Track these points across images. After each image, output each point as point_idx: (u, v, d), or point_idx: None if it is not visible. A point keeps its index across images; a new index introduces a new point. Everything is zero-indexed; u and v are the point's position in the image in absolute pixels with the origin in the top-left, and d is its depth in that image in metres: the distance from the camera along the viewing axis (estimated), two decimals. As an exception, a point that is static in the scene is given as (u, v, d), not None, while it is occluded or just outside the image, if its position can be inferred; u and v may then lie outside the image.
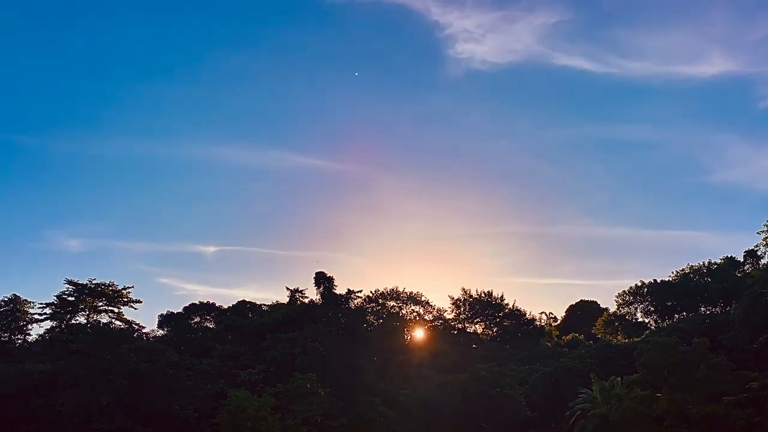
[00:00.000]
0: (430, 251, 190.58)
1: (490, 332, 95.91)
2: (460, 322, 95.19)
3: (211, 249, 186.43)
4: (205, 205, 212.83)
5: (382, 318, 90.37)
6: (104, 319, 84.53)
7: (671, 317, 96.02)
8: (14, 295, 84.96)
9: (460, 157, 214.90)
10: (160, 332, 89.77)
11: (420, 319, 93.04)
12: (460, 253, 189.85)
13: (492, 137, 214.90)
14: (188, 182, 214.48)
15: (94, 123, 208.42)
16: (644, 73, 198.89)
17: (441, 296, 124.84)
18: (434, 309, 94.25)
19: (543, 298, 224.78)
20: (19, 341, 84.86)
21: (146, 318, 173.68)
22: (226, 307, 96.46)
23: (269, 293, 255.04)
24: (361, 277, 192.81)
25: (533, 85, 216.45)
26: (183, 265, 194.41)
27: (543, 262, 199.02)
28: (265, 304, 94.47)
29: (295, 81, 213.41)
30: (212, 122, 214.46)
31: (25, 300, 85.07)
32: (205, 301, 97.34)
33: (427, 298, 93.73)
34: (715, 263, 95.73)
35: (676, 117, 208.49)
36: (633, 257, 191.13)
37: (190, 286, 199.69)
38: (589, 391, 64.05)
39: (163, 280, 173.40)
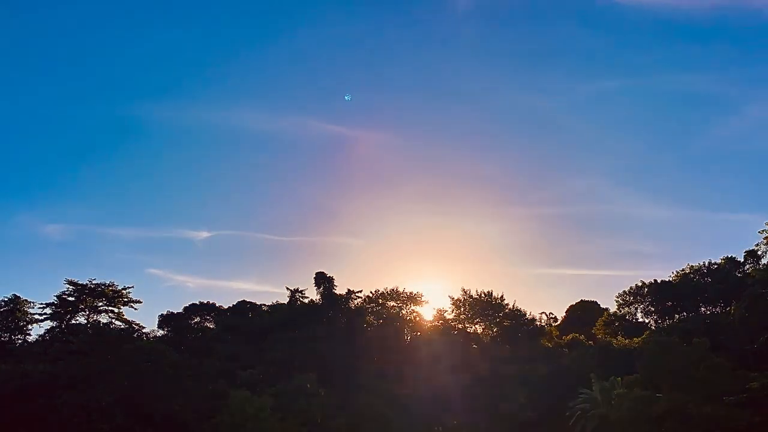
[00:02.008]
0: (433, 239, 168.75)
1: (490, 332, 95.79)
2: (460, 323, 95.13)
3: (204, 234, 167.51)
4: (195, 182, 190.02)
5: (382, 318, 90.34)
6: (104, 319, 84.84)
7: (671, 317, 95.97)
8: (14, 295, 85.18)
9: (469, 115, 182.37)
10: (160, 332, 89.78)
11: (420, 320, 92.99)
12: (466, 240, 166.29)
13: (509, 88, 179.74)
14: (174, 154, 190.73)
15: (62, 83, 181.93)
16: (704, 3, 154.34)
17: (441, 288, 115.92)
18: (434, 309, 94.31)
19: (561, 290, 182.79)
20: (19, 341, 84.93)
21: (136, 313, 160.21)
22: (226, 307, 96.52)
23: (269, 285, 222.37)
24: (365, 263, 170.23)
25: (561, 22, 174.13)
26: (173, 253, 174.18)
27: (559, 247, 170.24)
28: (265, 305, 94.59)
29: (281, 31, 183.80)
30: (197, 81, 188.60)
31: (25, 300, 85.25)
32: (204, 301, 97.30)
33: (427, 298, 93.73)
34: (715, 263, 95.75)
35: (745, 63, 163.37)
36: (676, 243, 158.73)
37: (180, 278, 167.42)
38: (589, 391, 64.02)
39: (152, 270, 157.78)
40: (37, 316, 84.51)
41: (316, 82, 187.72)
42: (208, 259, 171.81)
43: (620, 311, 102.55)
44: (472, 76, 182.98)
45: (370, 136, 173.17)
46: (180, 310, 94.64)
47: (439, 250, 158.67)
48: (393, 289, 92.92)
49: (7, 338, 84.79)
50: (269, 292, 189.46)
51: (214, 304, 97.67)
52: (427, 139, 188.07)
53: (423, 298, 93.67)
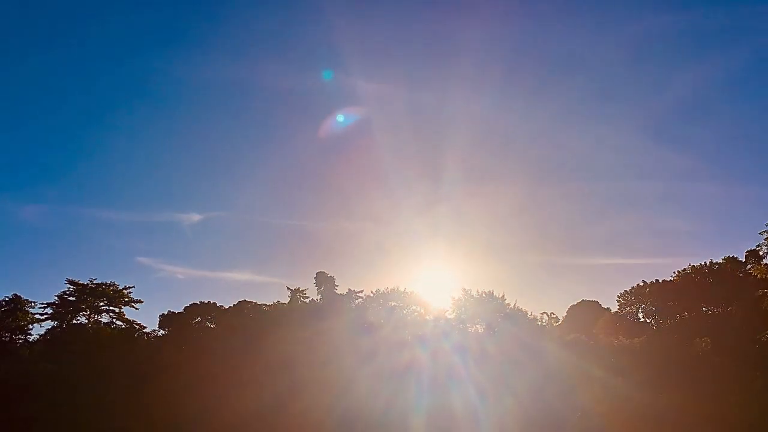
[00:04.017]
0: (439, 222, 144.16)
1: (491, 332, 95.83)
2: (461, 323, 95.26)
3: (195, 218, 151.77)
4: (183, 156, 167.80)
5: (383, 318, 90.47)
6: (105, 319, 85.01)
7: (673, 317, 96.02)
8: (15, 295, 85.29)
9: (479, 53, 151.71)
10: (161, 332, 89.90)
11: (421, 320, 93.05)
12: (472, 224, 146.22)
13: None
14: (156, 122, 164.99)
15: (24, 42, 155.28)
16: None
17: (443, 278, 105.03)
18: (435, 309, 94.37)
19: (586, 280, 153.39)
20: (20, 341, 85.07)
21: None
22: (227, 306, 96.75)
23: (268, 275, 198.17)
24: (369, 250, 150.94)
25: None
26: (162, 239, 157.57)
27: (573, 230, 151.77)
28: (266, 304, 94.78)
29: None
30: (187, 35, 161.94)
31: (26, 300, 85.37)
32: (205, 301, 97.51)
33: (429, 292, 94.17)
34: (717, 263, 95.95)
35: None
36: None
37: (172, 268, 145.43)
38: (590, 391, 63.98)
39: (142, 259, 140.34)
40: (38, 316, 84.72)
41: (311, 34, 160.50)
42: (200, 246, 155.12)
43: (621, 311, 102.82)
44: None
45: (370, 90, 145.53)
46: (180, 310, 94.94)
47: (445, 234, 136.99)
48: (394, 289, 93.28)
49: (8, 338, 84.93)
50: (268, 283, 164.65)
51: (215, 304, 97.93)
52: (427, 86, 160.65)
53: (424, 296, 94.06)
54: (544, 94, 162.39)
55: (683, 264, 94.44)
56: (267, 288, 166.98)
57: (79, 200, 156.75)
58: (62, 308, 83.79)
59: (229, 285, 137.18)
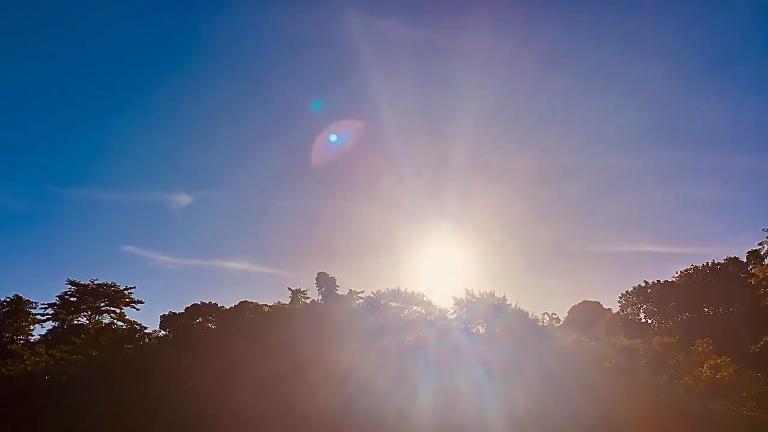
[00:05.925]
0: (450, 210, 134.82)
1: (493, 333, 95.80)
2: (462, 323, 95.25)
3: (184, 199, 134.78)
4: (168, 127, 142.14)
5: (384, 319, 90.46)
6: (106, 319, 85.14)
7: (674, 318, 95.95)
8: (16, 295, 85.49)
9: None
10: (162, 333, 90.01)
11: (422, 320, 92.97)
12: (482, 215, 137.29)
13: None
14: (136, 86, 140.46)
15: None
16: None
17: (447, 273, 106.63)
18: (436, 309, 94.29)
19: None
20: (21, 341, 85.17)
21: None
22: (228, 307, 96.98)
23: (267, 266, 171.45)
24: (376, 237, 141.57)
25: None
26: (150, 224, 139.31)
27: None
28: (267, 305, 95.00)
29: None
30: None
31: (27, 300, 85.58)
32: (206, 301, 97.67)
33: (430, 294, 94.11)
34: (719, 264, 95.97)
35: None
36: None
37: (160, 257, 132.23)
38: (590, 391, 63.88)
39: (129, 248, 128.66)
40: (39, 317, 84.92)
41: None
42: (191, 231, 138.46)
43: (623, 312, 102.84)
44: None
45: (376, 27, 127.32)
46: (180, 310, 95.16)
47: (452, 217, 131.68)
48: (395, 289, 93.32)
49: (9, 338, 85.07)
50: (267, 275, 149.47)
51: (215, 304, 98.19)
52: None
53: (425, 295, 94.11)
54: (557, 62, 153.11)
55: (710, 253, 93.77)
56: (266, 279, 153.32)
57: (53, 179, 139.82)
58: (63, 309, 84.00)
59: (225, 276, 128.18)
